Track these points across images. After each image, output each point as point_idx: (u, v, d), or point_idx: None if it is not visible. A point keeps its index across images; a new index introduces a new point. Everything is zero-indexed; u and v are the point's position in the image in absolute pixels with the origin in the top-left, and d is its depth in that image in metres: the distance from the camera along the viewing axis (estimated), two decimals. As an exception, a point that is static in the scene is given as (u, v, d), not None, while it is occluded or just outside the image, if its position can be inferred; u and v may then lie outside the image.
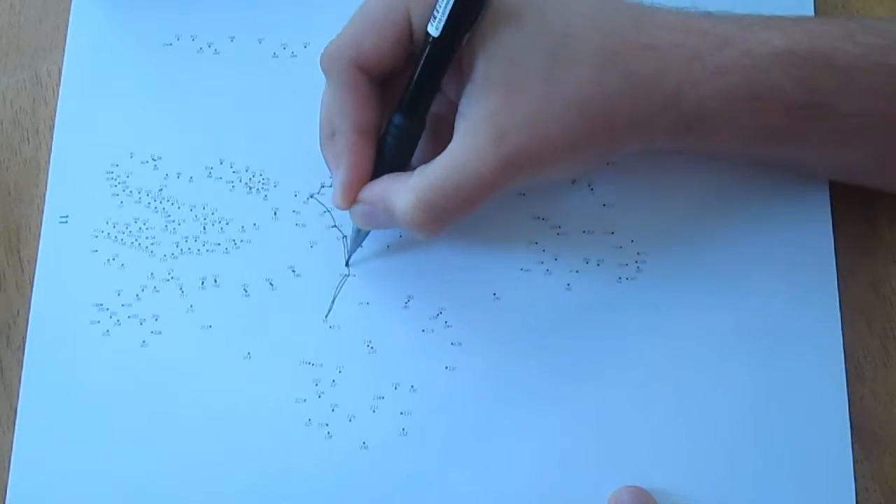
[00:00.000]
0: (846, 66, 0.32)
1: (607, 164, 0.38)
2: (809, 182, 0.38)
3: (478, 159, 0.32)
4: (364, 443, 0.36)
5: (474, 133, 0.32)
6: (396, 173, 0.34)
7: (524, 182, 0.33)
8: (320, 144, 0.35)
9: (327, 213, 0.38)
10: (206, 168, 0.39)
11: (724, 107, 0.32)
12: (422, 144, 0.35)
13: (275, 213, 0.39)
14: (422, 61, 0.33)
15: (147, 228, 0.39)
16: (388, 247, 0.38)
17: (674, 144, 0.34)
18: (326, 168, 0.36)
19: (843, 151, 0.34)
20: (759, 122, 0.33)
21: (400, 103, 0.34)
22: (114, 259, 0.38)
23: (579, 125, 0.32)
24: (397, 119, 0.34)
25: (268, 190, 0.39)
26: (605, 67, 0.32)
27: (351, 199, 0.34)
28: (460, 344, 0.37)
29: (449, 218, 0.33)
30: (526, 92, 0.32)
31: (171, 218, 0.39)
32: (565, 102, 0.32)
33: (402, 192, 0.33)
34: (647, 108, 0.32)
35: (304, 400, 0.36)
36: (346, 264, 0.38)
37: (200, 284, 0.38)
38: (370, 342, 0.37)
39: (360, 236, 0.37)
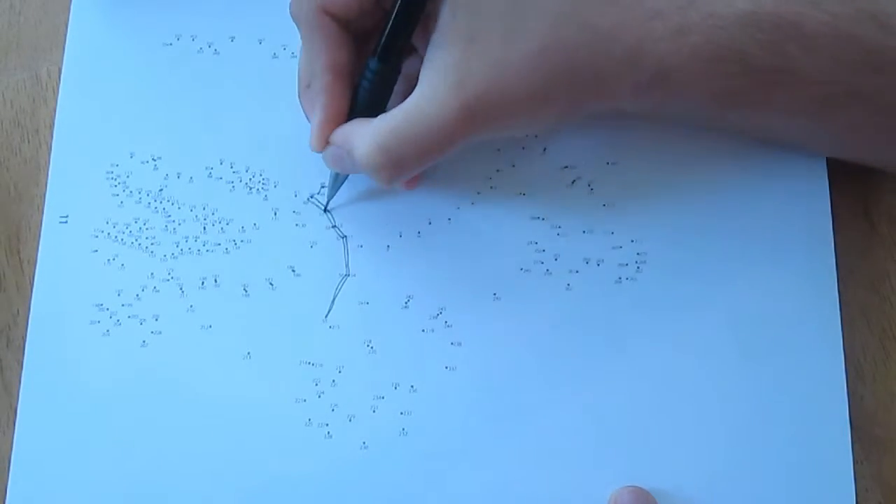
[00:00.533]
0: (812, 32, 0.32)
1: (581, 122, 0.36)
2: (810, 182, 0.38)
3: (437, 107, 0.32)
4: (364, 443, 0.36)
5: (436, 81, 0.33)
6: (365, 118, 0.35)
7: (486, 135, 0.34)
8: (298, 95, 0.36)
9: (327, 213, 0.38)
10: (206, 168, 0.39)
11: (686, 66, 0.33)
12: (397, 101, 0.35)
13: (275, 214, 0.39)
14: (396, 5, 0.33)
15: (147, 228, 0.39)
16: (388, 247, 0.38)
17: (639, 104, 0.34)
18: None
19: (807, 121, 0.34)
20: (722, 84, 0.33)
21: (375, 48, 0.34)
22: (114, 259, 0.38)
23: (538, 76, 0.32)
24: (372, 64, 0.35)
25: (268, 190, 0.39)
26: (564, 18, 0.32)
27: (324, 141, 0.35)
28: (460, 344, 0.37)
29: (407, 165, 0.33)
30: (487, 42, 0.32)
31: (171, 218, 0.39)
32: (525, 52, 0.32)
33: (365, 134, 0.33)
34: (606, 62, 0.33)
35: (304, 400, 0.36)
36: (325, 209, 0.38)
37: (200, 284, 0.38)
38: (370, 342, 0.37)
39: (337, 181, 0.38)
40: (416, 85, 0.34)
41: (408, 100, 0.33)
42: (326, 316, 0.37)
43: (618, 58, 0.32)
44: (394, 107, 0.34)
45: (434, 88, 0.33)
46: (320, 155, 0.36)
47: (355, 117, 0.35)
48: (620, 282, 0.37)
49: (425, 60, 0.33)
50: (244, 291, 0.38)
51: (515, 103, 0.33)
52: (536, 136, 0.39)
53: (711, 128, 0.37)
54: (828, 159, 0.38)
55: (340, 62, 0.35)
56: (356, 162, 0.34)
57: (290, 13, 0.35)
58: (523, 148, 0.39)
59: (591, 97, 0.34)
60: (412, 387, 0.36)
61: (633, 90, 0.33)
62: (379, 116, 0.34)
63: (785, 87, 0.33)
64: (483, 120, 0.33)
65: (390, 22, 0.34)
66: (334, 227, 0.38)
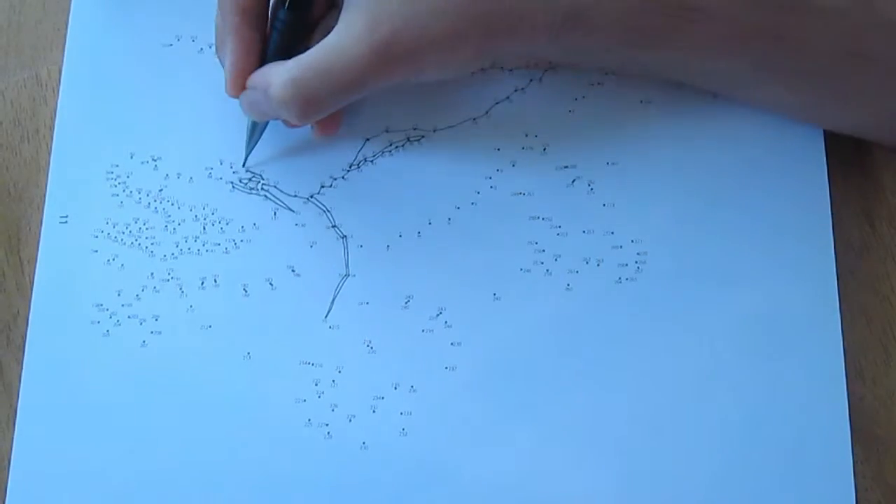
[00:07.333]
0: None
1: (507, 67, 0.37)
2: (810, 182, 0.38)
3: (352, 44, 0.33)
4: (364, 443, 0.36)
5: (352, 20, 0.33)
6: (280, 60, 0.35)
7: (402, 75, 0.34)
8: (215, 48, 0.37)
9: (327, 213, 0.38)
10: (206, 168, 0.39)
11: (600, 4, 0.33)
12: None
13: (275, 214, 0.39)
14: None
15: (147, 229, 0.39)
16: (388, 247, 0.38)
17: (555, 46, 0.34)
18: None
19: (721, 60, 0.35)
20: (635, 21, 0.33)
21: None
22: (114, 259, 0.38)
23: (453, 14, 0.33)
24: (281, 13, 0.35)
25: (268, 190, 0.39)
26: None
27: (239, 85, 0.36)
28: (460, 344, 0.37)
29: (321, 102, 0.34)
30: None
31: (171, 218, 0.39)
32: None
33: (279, 71, 0.34)
34: (520, 1, 0.33)
35: (304, 400, 0.36)
36: (243, 165, 0.39)
37: (200, 284, 0.38)
38: (370, 342, 0.37)
39: (255, 132, 0.38)
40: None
41: (324, 40, 0.34)
42: (326, 316, 0.37)
43: None
44: None
45: (350, 26, 0.33)
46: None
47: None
48: (620, 282, 0.37)
49: (344, 4, 0.34)
50: (244, 291, 0.38)
51: (429, 42, 0.33)
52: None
53: (627, 73, 0.38)
54: (828, 159, 0.38)
55: (248, 4, 0.35)
56: (271, 99, 0.34)
57: None
58: (523, 148, 0.39)
59: (505, 37, 0.34)
60: (412, 387, 0.36)
61: (547, 29, 0.34)
62: (296, 57, 0.34)
63: (696, 24, 0.33)
64: (397, 58, 0.33)
65: None
66: (334, 227, 0.38)
